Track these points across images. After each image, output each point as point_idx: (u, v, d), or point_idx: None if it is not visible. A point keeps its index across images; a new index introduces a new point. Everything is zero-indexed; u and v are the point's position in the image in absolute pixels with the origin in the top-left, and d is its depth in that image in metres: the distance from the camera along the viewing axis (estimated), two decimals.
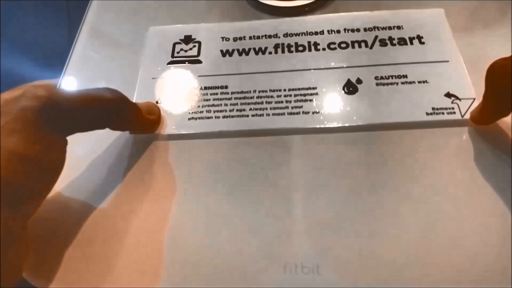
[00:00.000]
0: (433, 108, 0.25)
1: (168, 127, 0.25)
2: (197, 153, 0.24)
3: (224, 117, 0.25)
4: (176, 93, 0.27)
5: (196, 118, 0.26)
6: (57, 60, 0.32)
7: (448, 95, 0.25)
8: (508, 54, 0.20)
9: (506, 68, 0.20)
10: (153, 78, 0.28)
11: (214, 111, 0.26)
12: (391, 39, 0.28)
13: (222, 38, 0.29)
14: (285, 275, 0.20)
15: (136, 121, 0.24)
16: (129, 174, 0.24)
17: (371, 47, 0.28)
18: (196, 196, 0.23)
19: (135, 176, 0.24)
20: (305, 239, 0.21)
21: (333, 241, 0.21)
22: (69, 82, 0.28)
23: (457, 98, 0.25)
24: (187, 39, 0.30)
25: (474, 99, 0.25)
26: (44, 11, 0.46)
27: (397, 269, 0.20)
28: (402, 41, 0.28)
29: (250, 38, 0.29)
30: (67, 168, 0.21)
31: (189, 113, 0.26)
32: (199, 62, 0.28)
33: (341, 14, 0.30)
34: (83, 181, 0.24)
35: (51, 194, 0.21)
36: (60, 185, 0.23)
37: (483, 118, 0.23)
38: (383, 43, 0.28)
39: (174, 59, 0.29)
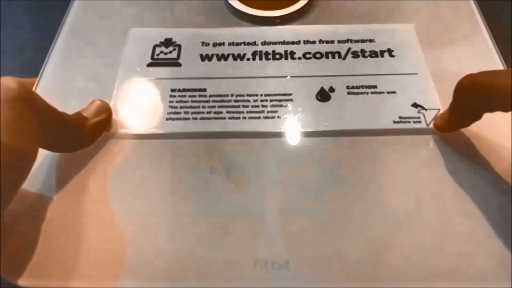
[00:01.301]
0: (400, 117, 0.26)
1: (145, 127, 0.26)
2: (172, 152, 0.25)
3: (201, 118, 0.26)
4: (154, 94, 0.27)
5: (173, 119, 0.26)
6: None
7: (415, 105, 0.27)
8: (473, 70, 0.22)
9: (474, 85, 0.21)
10: (132, 78, 0.28)
11: (192, 113, 0.26)
12: (363, 51, 0.30)
13: (202, 43, 0.30)
14: (256, 270, 0.21)
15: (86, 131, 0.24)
16: (100, 172, 0.24)
17: (344, 58, 0.29)
18: (166, 195, 0.23)
19: (106, 174, 0.24)
20: (276, 237, 0.21)
21: (302, 239, 0.21)
22: (47, 81, 0.28)
23: (423, 108, 0.26)
24: (167, 42, 0.30)
25: (439, 109, 0.26)
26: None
27: (367, 268, 0.21)
28: (373, 54, 0.29)
29: (229, 44, 0.30)
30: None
31: (167, 113, 0.26)
32: (179, 65, 0.29)
33: (317, 26, 0.31)
34: (45, 175, 0.24)
35: None
36: None
37: (447, 127, 0.25)
38: (355, 54, 0.29)
39: (154, 61, 0.29)
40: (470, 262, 0.21)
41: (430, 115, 0.26)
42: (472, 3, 0.33)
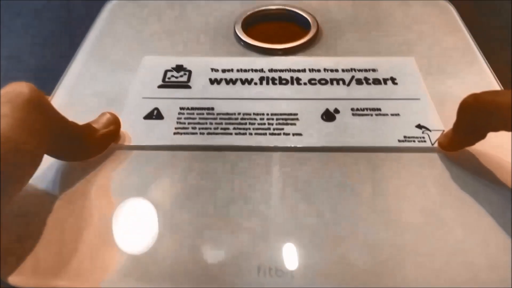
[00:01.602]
0: (404, 136, 0.26)
1: (152, 140, 0.26)
2: (177, 162, 0.25)
3: (208, 133, 0.27)
4: (163, 110, 0.28)
5: (181, 133, 0.27)
6: None
7: (419, 126, 0.27)
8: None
9: (477, 104, 0.22)
10: (142, 98, 0.29)
11: (199, 128, 0.27)
12: (366, 79, 0.31)
13: (212, 69, 0.32)
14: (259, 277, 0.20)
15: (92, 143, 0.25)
16: (103, 179, 0.24)
17: (348, 84, 0.30)
18: (168, 203, 0.23)
19: (109, 181, 0.24)
20: (279, 245, 0.21)
21: (307, 247, 0.21)
22: (61, 95, 0.29)
23: (427, 129, 0.27)
24: (179, 68, 0.32)
25: (443, 130, 0.27)
26: None
27: (371, 273, 0.20)
28: (376, 81, 0.30)
29: (238, 70, 0.31)
30: None
31: (175, 128, 0.27)
32: (188, 87, 0.30)
33: (321, 57, 0.33)
34: (49, 180, 0.24)
35: None
36: None
37: (451, 145, 0.25)
38: (359, 82, 0.30)
39: (164, 83, 0.30)
40: (471, 267, 0.20)
41: (434, 136, 0.26)
42: (468, 36, 0.34)
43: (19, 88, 0.20)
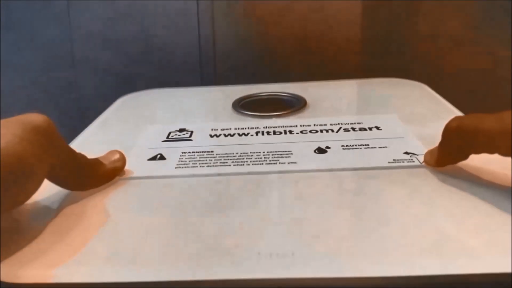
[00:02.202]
0: (394, 159, 0.28)
1: (153, 172, 0.28)
2: (176, 188, 0.26)
3: (208, 166, 0.28)
4: (165, 154, 0.30)
5: (182, 167, 0.28)
6: None
7: (406, 153, 0.29)
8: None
9: (460, 127, 0.24)
10: (148, 148, 0.31)
11: (200, 164, 0.29)
12: (353, 128, 0.33)
13: (212, 129, 0.35)
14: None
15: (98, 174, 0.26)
16: (104, 198, 0.25)
17: (337, 132, 0.33)
18: (165, 223, 0.23)
19: (108, 202, 0.25)
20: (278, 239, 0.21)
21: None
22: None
23: (414, 154, 0.28)
24: (181, 130, 0.35)
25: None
26: None
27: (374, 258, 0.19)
28: (362, 129, 0.33)
29: (235, 128, 0.34)
30: None
31: (176, 164, 0.29)
32: (190, 140, 0.33)
33: (311, 118, 0.36)
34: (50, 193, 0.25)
35: None
36: None
37: (437, 163, 0.26)
38: (346, 130, 0.33)
39: (168, 139, 0.33)
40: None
41: (422, 158, 0.28)
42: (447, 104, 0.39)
43: (33, 116, 0.22)
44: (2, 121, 0.21)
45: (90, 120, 0.39)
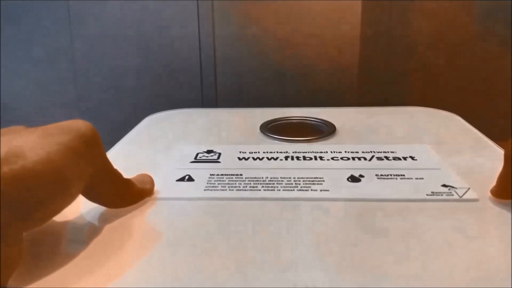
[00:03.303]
0: (432, 192, 0.27)
1: (182, 193, 0.27)
2: (209, 211, 0.25)
3: (238, 190, 0.27)
4: (194, 177, 0.29)
5: (211, 190, 0.27)
6: None
7: (444, 185, 0.27)
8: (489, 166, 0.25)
9: None
10: (176, 168, 0.31)
11: (229, 187, 0.28)
12: (386, 157, 0.32)
13: (240, 151, 0.34)
14: None
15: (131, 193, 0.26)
16: (132, 218, 0.24)
17: (370, 160, 0.32)
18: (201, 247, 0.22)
19: (139, 222, 0.24)
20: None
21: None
22: None
23: (452, 187, 0.27)
24: (209, 151, 0.34)
25: (469, 188, 0.27)
26: None
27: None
28: (396, 158, 0.32)
29: (264, 152, 0.34)
30: None
31: (205, 186, 0.28)
32: (218, 162, 0.32)
33: (342, 144, 0.35)
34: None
35: None
36: None
37: (505, 193, 0.25)
38: (379, 159, 0.32)
39: (196, 160, 0.32)
40: None
41: (461, 192, 0.27)
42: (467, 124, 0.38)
43: (79, 124, 0.22)
44: (47, 127, 0.21)
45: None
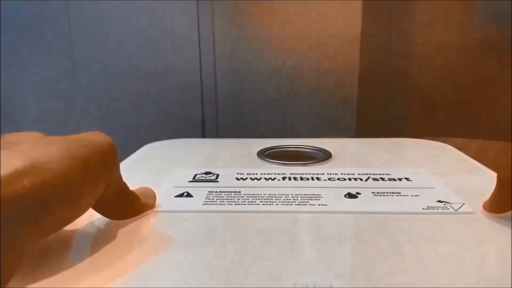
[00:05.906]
0: (428, 206, 0.27)
1: (181, 207, 0.27)
2: (210, 223, 0.25)
3: (236, 204, 0.27)
4: (193, 193, 0.30)
5: (210, 204, 0.28)
6: None
7: (440, 201, 0.28)
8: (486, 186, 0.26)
9: None
10: (174, 187, 0.31)
11: (228, 202, 0.28)
12: (382, 178, 0.33)
13: (237, 173, 0.34)
14: None
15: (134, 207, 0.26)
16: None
17: (366, 181, 0.32)
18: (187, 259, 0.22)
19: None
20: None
21: None
22: None
23: (448, 202, 0.28)
24: (207, 173, 0.35)
25: (464, 203, 0.27)
26: None
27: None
28: (392, 179, 0.33)
29: (262, 173, 0.34)
30: None
31: (204, 201, 0.28)
32: (216, 181, 0.32)
33: (338, 167, 0.36)
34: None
35: None
36: None
37: (497, 208, 0.25)
38: (375, 179, 0.33)
39: (194, 180, 0.33)
40: None
41: (456, 206, 0.27)
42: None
43: (99, 138, 0.22)
44: (68, 139, 0.21)
45: None
